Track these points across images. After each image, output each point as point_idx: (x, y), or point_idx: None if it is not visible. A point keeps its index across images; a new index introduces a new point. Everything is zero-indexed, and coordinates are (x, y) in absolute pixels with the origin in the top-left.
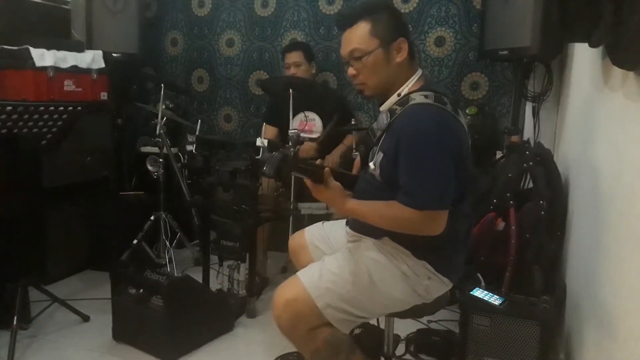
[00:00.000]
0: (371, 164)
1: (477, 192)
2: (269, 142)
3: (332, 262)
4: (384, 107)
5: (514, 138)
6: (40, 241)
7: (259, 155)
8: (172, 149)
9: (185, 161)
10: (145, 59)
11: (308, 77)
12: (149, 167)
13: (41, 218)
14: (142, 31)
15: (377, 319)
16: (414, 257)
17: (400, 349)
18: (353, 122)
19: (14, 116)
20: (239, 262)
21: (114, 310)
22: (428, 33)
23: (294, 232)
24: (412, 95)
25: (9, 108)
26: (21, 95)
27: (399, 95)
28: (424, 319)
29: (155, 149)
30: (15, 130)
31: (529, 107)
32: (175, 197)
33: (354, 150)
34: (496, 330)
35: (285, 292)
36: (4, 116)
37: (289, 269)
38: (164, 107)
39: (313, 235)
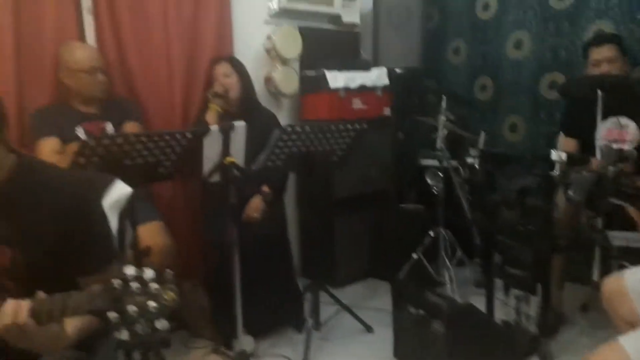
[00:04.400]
0: None
1: None
2: (568, 156)
3: None
4: None
5: None
6: (330, 248)
7: (554, 171)
8: (452, 162)
9: (466, 175)
10: (427, 71)
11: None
12: (429, 181)
13: (331, 227)
14: (424, 43)
15: None
16: None
17: None
18: None
19: (311, 135)
20: (529, 293)
21: (395, 327)
22: None
23: (601, 265)
24: None
25: (307, 128)
26: (317, 115)
27: None
28: None
29: (435, 162)
30: (312, 148)
31: None
32: (454, 212)
33: None
34: None
35: None
36: (302, 136)
37: (591, 307)
38: (444, 119)
39: (638, 282)
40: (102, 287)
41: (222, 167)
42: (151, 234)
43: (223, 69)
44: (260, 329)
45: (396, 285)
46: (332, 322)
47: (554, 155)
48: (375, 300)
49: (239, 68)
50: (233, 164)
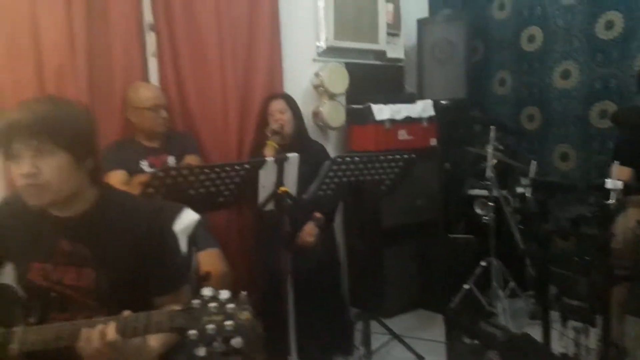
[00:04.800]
0: None
1: None
2: (625, 185)
3: None
4: None
5: None
6: (378, 278)
7: (609, 199)
8: (502, 191)
9: (516, 205)
10: (473, 102)
11: None
12: (478, 211)
13: (380, 257)
14: (469, 75)
15: None
16: None
17: None
18: None
19: (360, 165)
20: (588, 325)
21: (448, 356)
22: None
23: None
24: None
25: (357, 158)
26: (363, 146)
27: None
28: None
29: (484, 192)
30: (361, 178)
31: None
32: (506, 243)
33: None
34: None
35: None
36: (352, 166)
37: None
38: (493, 148)
39: None
40: (183, 307)
41: (276, 197)
42: (210, 260)
43: (278, 105)
44: (311, 357)
45: (449, 314)
46: (382, 351)
47: (610, 184)
48: (425, 331)
49: (292, 104)
50: (286, 193)
